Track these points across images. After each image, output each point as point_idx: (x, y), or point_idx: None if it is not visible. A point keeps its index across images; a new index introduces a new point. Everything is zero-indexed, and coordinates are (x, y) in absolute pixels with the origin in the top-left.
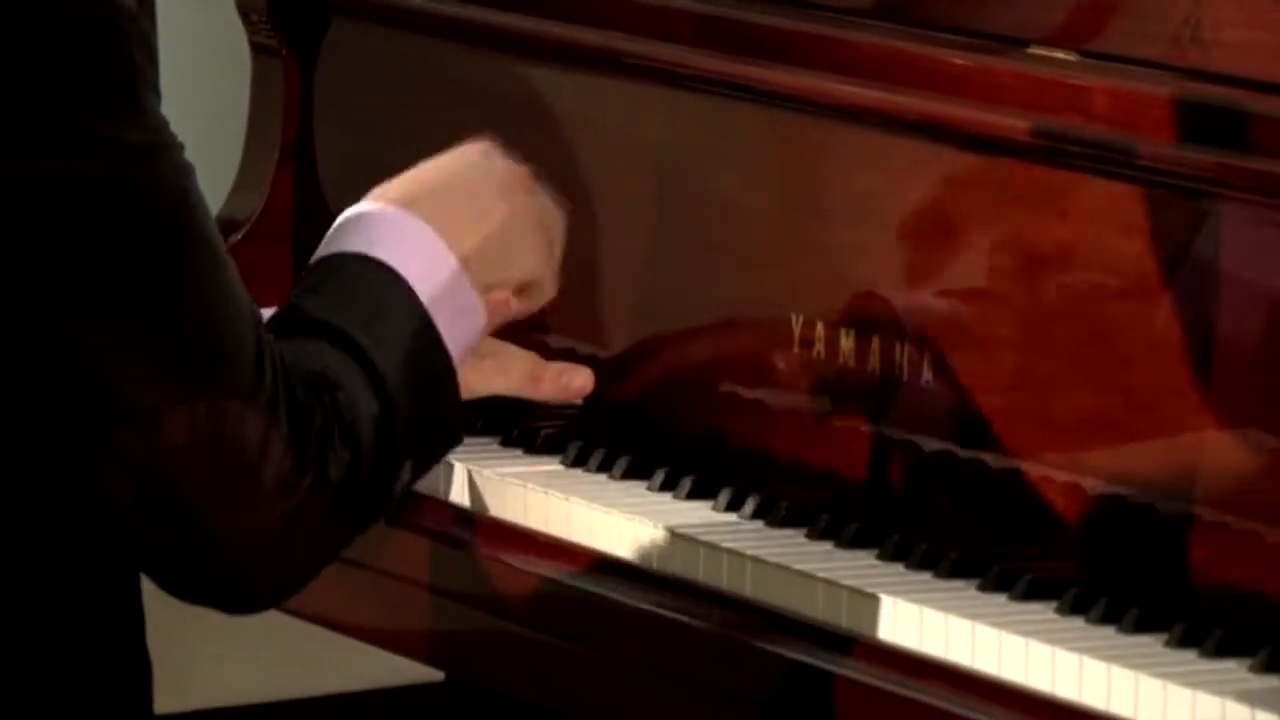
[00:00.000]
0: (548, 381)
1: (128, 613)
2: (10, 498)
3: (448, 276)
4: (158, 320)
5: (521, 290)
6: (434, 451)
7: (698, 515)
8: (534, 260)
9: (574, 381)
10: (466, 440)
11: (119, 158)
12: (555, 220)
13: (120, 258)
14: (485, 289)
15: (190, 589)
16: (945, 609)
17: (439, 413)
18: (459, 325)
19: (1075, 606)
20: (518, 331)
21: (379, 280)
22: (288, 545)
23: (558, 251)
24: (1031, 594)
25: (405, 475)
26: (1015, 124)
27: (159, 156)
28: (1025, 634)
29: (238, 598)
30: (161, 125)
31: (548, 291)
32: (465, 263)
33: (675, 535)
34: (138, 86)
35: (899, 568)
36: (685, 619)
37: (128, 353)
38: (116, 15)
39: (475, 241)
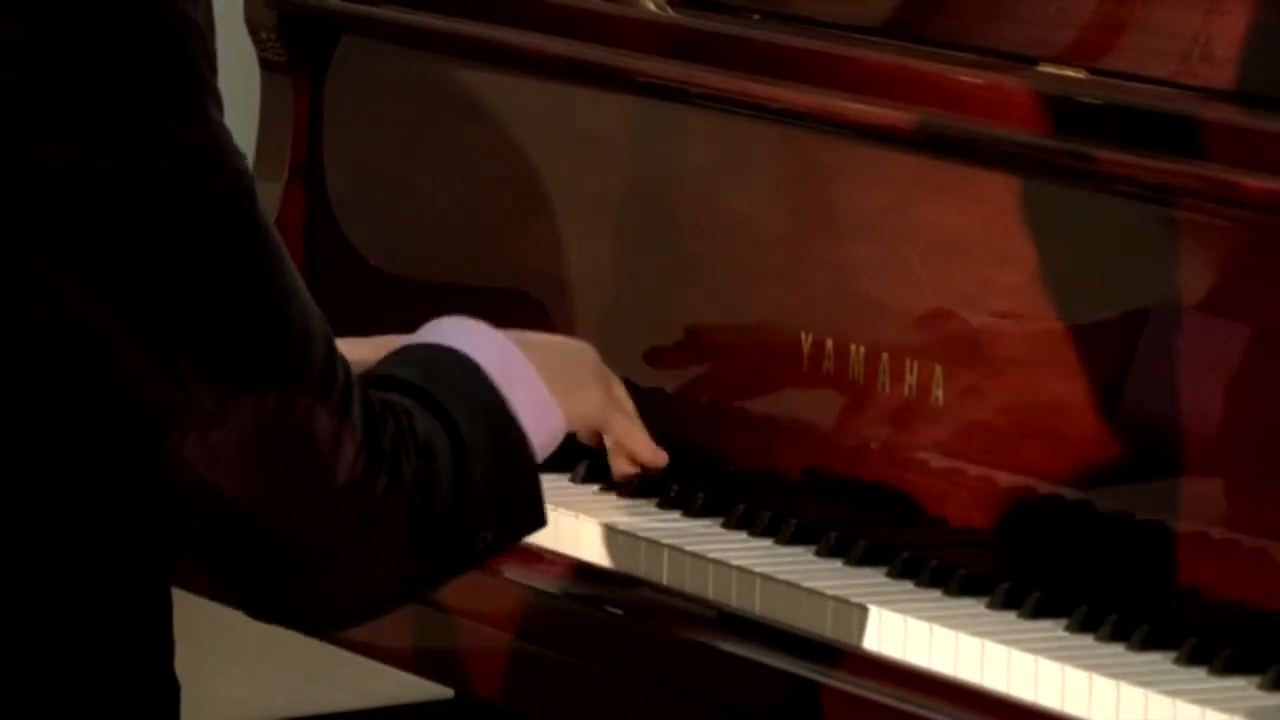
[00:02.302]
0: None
1: (158, 633)
2: (45, 518)
3: (518, 366)
4: (224, 312)
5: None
6: (514, 522)
7: (707, 532)
8: (597, 397)
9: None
10: None
11: (180, 154)
12: (614, 380)
13: (183, 250)
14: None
15: (269, 601)
16: (955, 626)
17: (517, 483)
18: (535, 419)
19: (1085, 624)
20: None
21: (447, 356)
22: (365, 553)
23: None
24: (1041, 611)
25: (487, 536)
26: (1024, 141)
27: (220, 158)
28: (1034, 651)
29: (318, 610)
30: (223, 132)
31: (625, 428)
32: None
33: (685, 552)
34: (200, 91)
35: (908, 585)
36: (695, 636)
37: (194, 346)
38: (182, 21)
39: (540, 358)
